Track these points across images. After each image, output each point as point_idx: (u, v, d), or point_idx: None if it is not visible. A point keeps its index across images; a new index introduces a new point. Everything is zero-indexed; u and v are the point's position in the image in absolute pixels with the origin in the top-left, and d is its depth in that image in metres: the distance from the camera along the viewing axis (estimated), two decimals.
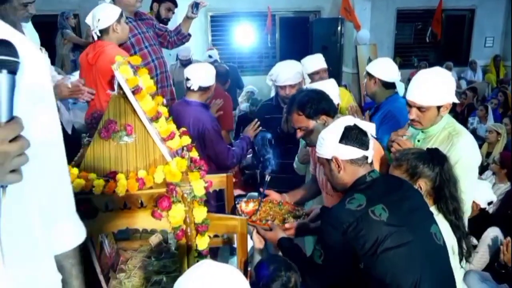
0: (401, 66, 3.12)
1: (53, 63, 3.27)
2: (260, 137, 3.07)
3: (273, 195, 2.41)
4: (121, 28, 2.98)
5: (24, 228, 0.92)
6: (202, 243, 1.69)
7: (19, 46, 0.78)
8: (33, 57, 0.91)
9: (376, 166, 2.06)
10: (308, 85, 2.98)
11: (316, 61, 3.56)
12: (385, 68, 2.99)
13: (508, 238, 3.05)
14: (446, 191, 1.91)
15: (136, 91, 1.66)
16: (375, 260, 1.55)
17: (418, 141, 2.25)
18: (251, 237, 2.13)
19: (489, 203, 3.63)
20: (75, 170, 1.61)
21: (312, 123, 2.20)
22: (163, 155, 1.68)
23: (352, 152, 1.71)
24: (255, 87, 7.53)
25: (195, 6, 3.69)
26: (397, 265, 1.55)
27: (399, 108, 2.89)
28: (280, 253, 1.95)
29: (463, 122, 6.28)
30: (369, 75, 3.00)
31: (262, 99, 5.46)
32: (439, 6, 9.02)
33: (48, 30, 6.09)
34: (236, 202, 2.35)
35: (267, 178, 2.31)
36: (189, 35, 3.94)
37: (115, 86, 1.70)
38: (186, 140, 1.94)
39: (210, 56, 6.43)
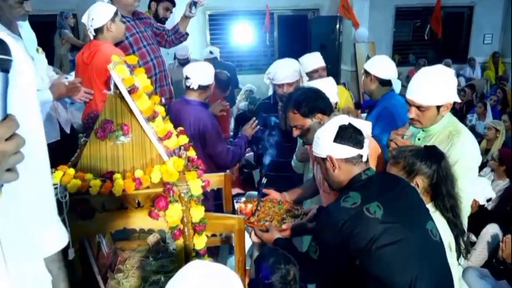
0: (399, 64, 3.10)
1: (51, 63, 3.27)
2: (263, 119, 3.08)
3: (273, 194, 2.42)
4: (116, 27, 2.96)
5: (21, 227, 0.92)
6: (200, 242, 1.69)
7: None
8: (20, 58, 0.91)
9: (373, 165, 2.06)
10: (306, 83, 2.98)
11: (315, 60, 3.56)
12: (381, 66, 3.01)
13: (508, 235, 3.06)
14: (443, 189, 1.91)
15: (132, 90, 1.65)
16: (371, 257, 1.56)
17: (419, 139, 2.24)
18: (250, 237, 2.14)
19: (488, 200, 3.64)
20: (72, 171, 1.60)
21: (308, 122, 2.20)
22: (160, 154, 1.67)
23: (347, 151, 1.71)
24: (254, 86, 7.53)
25: (193, 4, 3.69)
26: (393, 261, 1.56)
27: (395, 105, 2.90)
28: None
29: (462, 119, 6.28)
30: (366, 72, 3.04)
31: (260, 98, 5.47)
32: (438, 4, 9.01)
33: (47, 30, 6.09)
34: (235, 201, 2.35)
35: (264, 180, 2.32)
36: (187, 34, 3.94)
37: (111, 86, 1.69)
38: (183, 139, 1.93)
39: (211, 52, 6.42)
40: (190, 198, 1.63)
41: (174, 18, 4.60)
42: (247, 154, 5.19)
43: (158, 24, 3.90)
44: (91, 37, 2.98)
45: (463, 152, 2.08)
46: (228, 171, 2.70)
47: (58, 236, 1.12)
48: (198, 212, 1.65)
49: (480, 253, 3.31)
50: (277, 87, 3.17)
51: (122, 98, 1.66)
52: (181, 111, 2.92)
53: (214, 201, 2.76)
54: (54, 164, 1.62)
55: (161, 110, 1.87)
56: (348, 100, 4.42)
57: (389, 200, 1.64)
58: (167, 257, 2.12)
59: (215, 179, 2.24)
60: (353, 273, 1.64)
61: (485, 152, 4.99)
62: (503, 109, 6.93)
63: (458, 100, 2.18)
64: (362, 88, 8.17)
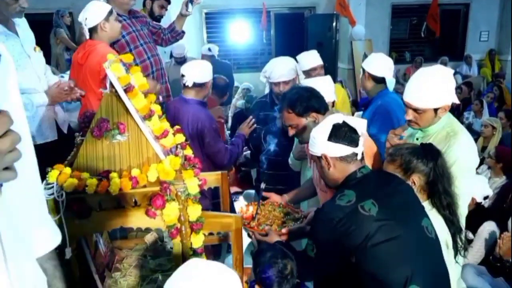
0: (396, 62, 3.11)
1: (48, 62, 3.26)
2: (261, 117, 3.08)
3: (274, 197, 2.43)
4: (110, 27, 2.92)
5: (20, 226, 0.92)
6: (197, 241, 1.69)
7: None
8: (4, 55, 0.90)
9: (369, 163, 2.06)
10: (303, 81, 2.98)
11: (313, 58, 3.56)
12: (374, 63, 3.03)
13: (505, 232, 3.07)
14: (439, 186, 1.92)
15: (128, 89, 1.65)
16: (367, 254, 1.57)
17: (417, 139, 2.24)
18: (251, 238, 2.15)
19: (485, 198, 3.64)
20: (68, 170, 1.60)
21: (302, 121, 2.22)
22: (156, 153, 1.67)
23: (341, 149, 1.71)
24: (251, 84, 7.53)
25: (190, 2, 3.68)
26: (389, 258, 1.57)
27: (389, 103, 2.92)
28: None
29: (458, 116, 6.29)
30: (363, 69, 3.05)
31: (257, 96, 5.47)
32: (435, 2, 9.01)
33: (43, 29, 6.06)
34: (234, 200, 2.36)
35: (263, 185, 2.32)
36: (183, 32, 3.93)
37: (107, 84, 1.69)
38: (180, 138, 1.93)
39: (209, 49, 6.42)
40: (187, 196, 1.63)
41: (170, 16, 4.59)
42: (244, 153, 5.19)
43: (154, 22, 3.90)
44: (87, 37, 2.97)
45: (460, 154, 2.06)
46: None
47: (51, 235, 1.12)
48: (195, 211, 1.65)
49: (477, 251, 3.32)
50: (273, 85, 3.17)
51: (118, 96, 1.66)
52: (179, 110, 2.92)
53: (211, 199, 2.76)
54: (51, 164, 1.61)
55: (157, 108, 1.87)
56: (345, 99, 4.42)
57: (384, 198, 1.65)
58: (165, 256, 2.12)
59: (212, 178, 2.24)
60: (349, 271, 1.65)
61: (482, 149, 5.00)
62: (500, 106, 6.95)
63: (457, 102, 2.15)
64: (359, 86, 8.19)
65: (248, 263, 1.93)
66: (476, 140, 4.51)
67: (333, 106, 2.63)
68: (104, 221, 1.65)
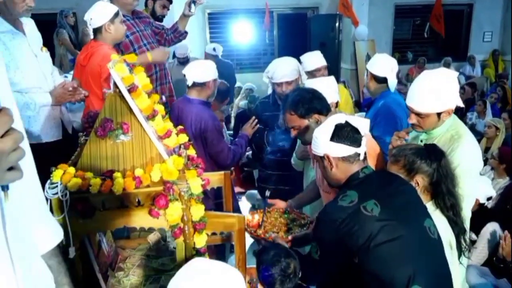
0: (399, 62, 3.10)
1: (52, 62, 3.28)
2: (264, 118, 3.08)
3: (278, 203, 2.43)
4: (115, 28, 2.91)
5: (24, 226, 0.92)
6: (200, 241, 1.69)
7: None
8: None
9: (372, 163, 2.06)
10: (306, 81, 2.98)
11: (316, 59, 3.56)
12: (377, 63, 3.04)
13: (506, 231, 3.06)
14: (443, 187, 1.91)
15: (132, 89, 1.66)
16: (369, 255, 1.56)
17: (421, 141, 2.23)
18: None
19: (488, 198, 3.63)
20: (72, 169, 1.60)
21: (305, 122, 2.22)
22: (160, 153, 1.67)
23: (343, 149, 1.71)
24: (254, 84, 7.53)
25: (192, 3, 3.68)
26: (391, 259, 1.57)
27: (390, 103, 2.92)
28: None
29: (462, 117, 6.27)
30: (367, 70, 3.06)
31: (260, 96, 5.47)
32: (438, 2, 8.99)
33: (46, 29, 6.07)
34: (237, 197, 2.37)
35: (267, 193, 2.33)
36: (186, 32, 3.94)
37: (111, 85, 1.70)
38: (183, 138, 1.94)
39: (214, 49, 6.41)
40: (190, 196, 1.64)
41: (173, 17, 4.60)
42: (246, 153, 5.20)
43: (157, 23, 3.91)
44: (91, 37, 2.97)
45: (463, 158, 2.04)
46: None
47: (53, 232, 1.12)
48: (198, 211, 1.65)
49: (480, 252, 3.31)
50: (276, 85, 3.17)
51: (121, 97, 1.67)
52: (183, 110, 2.93)
53: (214, 199, 2.76)
54: (55, 163, 1.62)
55: (160, 108, 1.87)
56: (347, 99, 4.42)
57: (386, 198, 1.65)
58: (168, 256, 2.12)
59: (215, 178, 2.24)
60: (352, 272, 1.65)
61: (485, 150, 4.99)
62: (503, 107, 6.93)
63: (461, 105, 2.12)
64: (362, 86, 8.18)
65: (251, 263, 1.93)
66: (479, 141, 4.49)
67: (336, 106, 2.62)
68: (107, 221, 1.66)
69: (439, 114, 2.08)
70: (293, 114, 2.23)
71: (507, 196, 3.79)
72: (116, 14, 2.90)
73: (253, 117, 3.20)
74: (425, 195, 1.96)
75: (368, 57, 8.08)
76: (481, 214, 3.41)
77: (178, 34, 3.87)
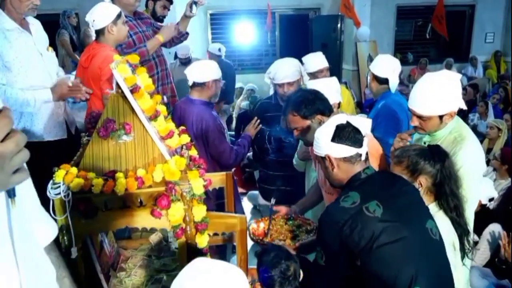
0: (401, 63, 3.10)
1: None
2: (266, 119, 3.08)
3: (283, 210, 2.43)
4: (117, 30, 2.87)
5: (28, 227, 0.92)
6: (202, 241, 1.70)
7: None
8: None
9: (374, 163, 2.06)
10: (309, 82, 2.98)
11: (319, 60, 3.56)
12: (378, 63, 3.06)
13: (504, 232, 3.05)
14: (446, 188, 1.91)
15: (134, 89, 1.66)
16: (372, 257, 1.56)
17: (425, 143, 2.22)
18: None
19: (490, 199, 3.63)
20: (74, 170, 1.61)
21: (307, 123, 2.21)
22: (162, 153, 1.68)
23: (345, 150, 1.71)
24: (256, 85, 7.53)
25: (194, 3, 3.69)
26: (393, 260, 1.56)
27: (390, 104, 2.93)
28: None
29: (464, 118, 6.26)
30: (369, 70, 3.08)
31: (261, 97, 5.47)
32: (440, 3, 8.98)
33: (48, 30, 6.08)
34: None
35: (273, 201, 2.33)
36: (187, 33, 3.94)
37: (113, 85, 1.70)
38: (185, 138, 1.94)
39: (219, 50, 6.42)
40: (192, 197, 1.64)
41: (175, 17, 4.60)
42: (248, 154, 5.20)
43: (158, 23, 3.91)
44: (93, 38, 2.97)
45: (465, 161, 2.03)
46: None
47: (48, 227, 1.12)
48: (200, 211, 1.65)
49: (482, 253, 3.31)
50: (277, 86, 3.17)
51: (124, 97, 1.67)
52: (185, 110, 2.93)
53: (216, 200, 2.76)
54: (57, 162, 1.63)
55: (163, 109, 1.88)
56: (349, 100, 4.42)
57: (389, 198, 1.64)
58: (169, 256, 2.12)
59: (217, 178, 2.25)
60: (354, 274, 1.64)
61: (487, 151, 4.98)
62: (505, 108, 6.91)
63: (464, 107, 2.11)
64: (363, 87, 8.17)
65: (253, 264, 1.93)
66: (481, 142, 4.49)
67: (338, 107, 2.62)
68: (110, 221, 1.66)
69: (441, 117, 2.08)
70: (296, 115, 2.23)
71: (509, 197, 3.79)
72: (119, 15, 2.87)
73: (255, 118, 3.21)
74: (428, 196, 1.95)
75: (370, 58, 8.08)
76: (483, 215, 3.40)
77: (179, 35, 3.87)
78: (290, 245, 2.09)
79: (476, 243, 3.34)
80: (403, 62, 9.17)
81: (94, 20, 2.84)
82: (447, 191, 1.92)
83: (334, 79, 2.85)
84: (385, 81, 3.00)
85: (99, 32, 2.89)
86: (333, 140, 1.71)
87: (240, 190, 5.18)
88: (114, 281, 1.93)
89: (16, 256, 0.82)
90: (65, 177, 1.55)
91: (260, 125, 3.17)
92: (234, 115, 6.95)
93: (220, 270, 1.13)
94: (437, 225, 1.71)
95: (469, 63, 9.53)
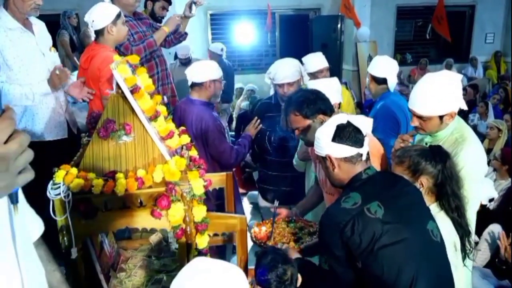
0: (400, 63, 3.11)
1: None
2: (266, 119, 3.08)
3: (284, 212, 2.43)
4: (117, 30, 2.86)
5: (26, 226, 0.92)
6: (202, 241, 1.70)
7: None
8: None
9: (376, 163, 2.06)
10: (309, 82, 2.98)
11: (319, 60, 3.56)
12: (376, 64, 3.06)
13: (503, 232, 3.05)
14: (448, 188, 1.90)
15: (134, 90, 1.66)
16: (373, 258, 1.55)
17: (426, 143, 2.22)
18: None
19: (490, 200, 3.62)
20: (74, 170, 1.60)
21: (309, 123, 2.20)
22: (162, 154, 1.68)
23: (345, 150, 1.70)
24: (256, 85, 7.53)
25: (193, 4, 3.68)
26: (394, 262, 1.55)
27: (389, 104, 2.93)
28: None
29: (464, 118, 6.25)
30: (368, 72, 3.08)
31: (261, 97, 5.47)
32: (441, 3, 8.97)
33: (48, 30, 6.08)
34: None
35: (276, 203, 2.33)
36: (186, 33, 3.94)
37: (114, 85, 1.70)
38: (185, 139, 1.94)
39: (221, 49, 6.41)
40: (192, 197, 1.64)
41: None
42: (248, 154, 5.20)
43: (157, 24, 3.91)
44: (92, 38, 2.97)
45: (466, 162, 2.03)
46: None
47: (35, 222, 1.12)
48: (200, 212, 1.65)
49: (482, 253, 3.31)
50: (277, 87, 3.17)
51: (124, 97, 1.67)
52: (185, 111, 2.94)
53: (216, 200, 2.76)
54: (58, 163, 1.62)
55: (163, 109, 1.88)
56: (349, 100, 4.41)
57: (390, 199, 1.63)
58: (170, 256, 2.12)
59: (217, 179, 2.25)
60: (355, 275, 1.64)
61: (487, 151, 4.97)
62: (505, 108, 6.91)
63: (464, 108, 2.10)
64: (363, 87, 8.17)
65: (253, 264, 1.93)
66: (481, 142, 4.49)
67: (339, 107, 2.62)
68: (110, 221, 1.66)
69: (441, 117, 2.07)
70: (297, 115, 2.21)
71: (509, 198, 3.78)
72: (118, 16, 2.86)
73: (256, 118, 3.21)
74: (429, 197, 1.95)
75: (370, 59, 8.08)
76: (483, 216, 3.39)
77: (178, 35, 3.87)
78: (294, 247, 2.09)
79: (476, 243, 3.34)
80: (403, 62, 9.25)
81: (93, 21, 2.82)
82: (449, 192, 1.91)
83: (335, 79, 2.85)
84: (383, 81, 3.00)
85: (99, 33, 2.88)
86: (333, 140, 1.70)
87: (240, 190, 5.19)
88: (114, 281, 1.93)
89: (18, 258, 0.83)
90: (65, 177, 1.55)
91: (260, 125, 3.16)
92: (234, 115, 6.95)
93: (220, 269, 1.12)
94: (438, 227, 1.71)
95: (469, 64, 9.54)
